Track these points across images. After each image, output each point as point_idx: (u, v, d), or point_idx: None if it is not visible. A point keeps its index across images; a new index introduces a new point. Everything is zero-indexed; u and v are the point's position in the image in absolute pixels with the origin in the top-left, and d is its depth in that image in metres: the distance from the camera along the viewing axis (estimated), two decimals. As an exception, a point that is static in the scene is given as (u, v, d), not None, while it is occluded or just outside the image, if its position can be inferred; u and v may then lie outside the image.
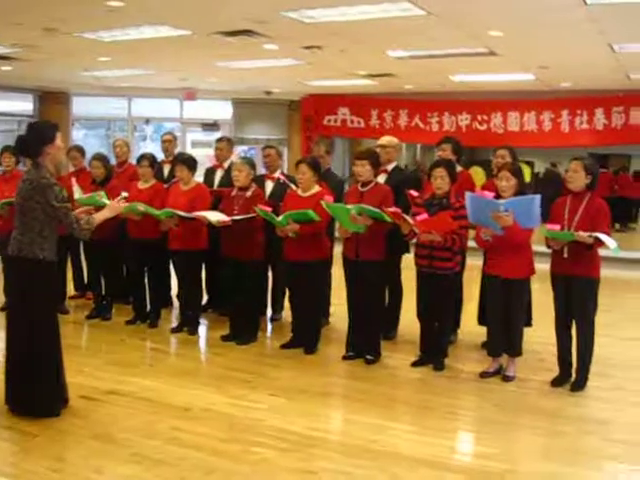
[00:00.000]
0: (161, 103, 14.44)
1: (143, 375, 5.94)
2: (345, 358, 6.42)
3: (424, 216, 5.84)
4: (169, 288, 8.09)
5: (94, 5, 6.56)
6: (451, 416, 5.16)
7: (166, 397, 5.42)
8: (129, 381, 5.77)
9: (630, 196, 16.55)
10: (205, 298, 8.06)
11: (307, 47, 8.62)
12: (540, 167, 13.10)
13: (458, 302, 6.86)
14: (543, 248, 5.84)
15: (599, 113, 11.86)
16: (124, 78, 11.83)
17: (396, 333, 7.15)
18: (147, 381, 5.79)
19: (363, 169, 6.20)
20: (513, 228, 5.52)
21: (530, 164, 12.36)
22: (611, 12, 6.48)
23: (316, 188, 6.48)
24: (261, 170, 7.67)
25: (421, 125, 13.08)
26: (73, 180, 7.40)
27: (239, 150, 14.31)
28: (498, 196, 5.76)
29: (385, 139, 7.10)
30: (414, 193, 6.25)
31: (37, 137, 4.92)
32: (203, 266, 7.58)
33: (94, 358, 6.39)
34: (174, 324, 7.45)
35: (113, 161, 8.34)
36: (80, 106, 14.01)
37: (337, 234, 6.79)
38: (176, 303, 7.88)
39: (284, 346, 6.73)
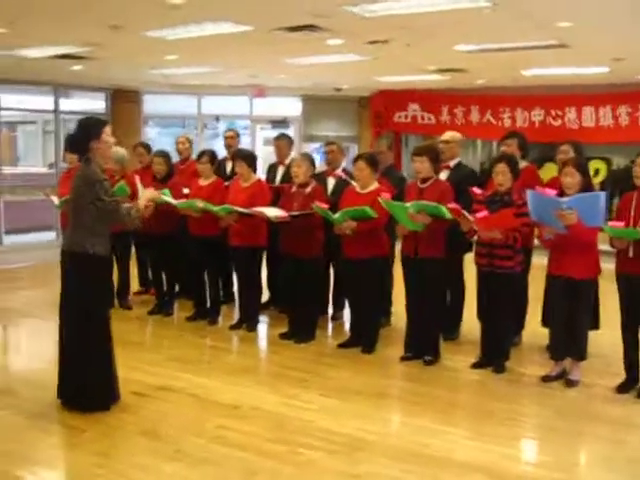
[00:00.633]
0: (231, 100, 14.47)
1: (197, 372, 5.92)
2: (403, 359, 6.27)
3: (484, 213, 5.64)
4: (231, 285, 8.09)
5: (156, 2, 6.58)
6: (509, 422, 4.95)
7: (217, 394, 5.39)
8: (182, 377, 5.76)
9: None
10: (267, 295, 8.03)
11: (372, 42, 8.45)
12: (620, 164, 12.61)
13: (523, 303, 6.63)
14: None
15: (680, 107, 11.37)
16: (193, 76, 11.89)
17: (458, 334, 6.95)
18: (200, 378, 5.77)
19: (422, 165, 6.03)
20: (577, 227, 5.26)
21: (606, 160, 11.87)
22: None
23: (375, 185, 6.36)
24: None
25: (493, 121, 12.73)
26: (137, 178, 7.44)
27: (311, 147, 14.26)
28: (562, 193, 5.52)
29: (448, 134, 6.92)
30: (477, 190, 6.04)
31: (84, 133, 4.96)
32: (264, 263, 7.56)
33: (151, 354, 6.43)
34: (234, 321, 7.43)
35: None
36: (151, 104, 14.18)
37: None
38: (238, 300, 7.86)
39: (342, 345, 6.63)
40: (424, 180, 6.06)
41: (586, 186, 5.49)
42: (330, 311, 7.72)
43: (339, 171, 7.27)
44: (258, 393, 5.44)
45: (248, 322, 7.14)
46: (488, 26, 7.51)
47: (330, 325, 7.53)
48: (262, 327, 7.31)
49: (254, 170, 7.10)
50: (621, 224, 5.30)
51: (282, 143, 7.71)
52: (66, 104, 13.09)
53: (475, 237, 5.86)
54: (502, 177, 5.78)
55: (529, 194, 5.43)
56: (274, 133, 14.54)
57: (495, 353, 6.03)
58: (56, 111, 12.69)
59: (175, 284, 7.90)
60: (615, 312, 5.65)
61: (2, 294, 8.84)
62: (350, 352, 6.48)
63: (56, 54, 9.64)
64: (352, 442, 4.55)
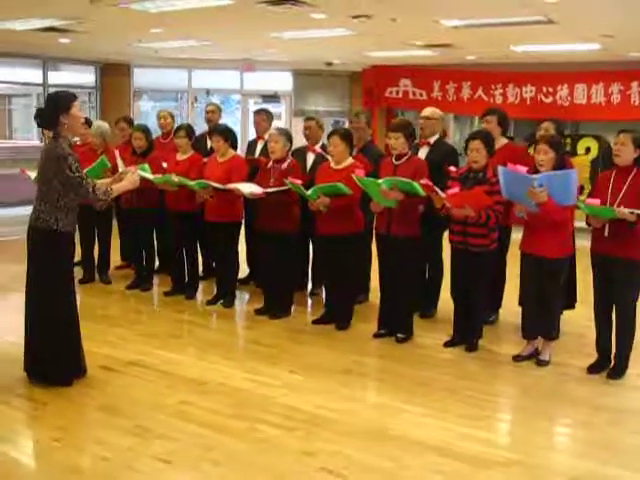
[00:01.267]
0: (221, 75, 14.41)
1: (169, 347, 5.91)
2: (376, 336, 6.25)
3: (455, 190, 5.58)
4: (210, 260, 8.06)
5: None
6: (473, 401, 4.92)
7: (184, 370, 5.38)
8: (153, 353, 5.75)
9: None
10: (247, 271, 8.01)
11: (356, 16, 8.38)
12: (612, 142, 12.55)
13: (500, 281, 6.60)
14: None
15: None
16: (182, 50, 11.83)
17: (435, 311, 6.93)
18: (171, 354, 5.76)
19: (397, 142, 5.96)
20: (548, 205, 5.21)
21: (598, 138, 11.78)
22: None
23: (349, 161, 6.30)
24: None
25: (484, 97, 12.62)
26: (116, 153, 7.39)
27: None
28: (537, 170, 5.46)
29: (428, 110, 6.82)
30: (453, 169, 5.98)
31: (53, 108, 4.88)
32: (243, 239, 7.54)
33: (124, 329, 6.41)
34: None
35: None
36: (142, 78, 14.11)
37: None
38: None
39: (316, 322, 6.61)
40: (399, 157, 6.00)
41: (559, 163, 5.42)
42: (309, 287, 7.70)
43: (318, 147, 7.21)
44: (226, 369, 5.43)
45: (225, 298, 7.12)
46: (472, 1, 7.44)
47: (310, 301, 7.51)
48: (240, 303, 7.29)
49: (232, 146, 7.04)
50: (597, 201, 5.25)
51: (261, 118, 7.63)
52: (55, 77, 13.03)
53: (447, 214, 5.79)
54: (476, 154, 5.71)
55: (500, 171, 5.37)
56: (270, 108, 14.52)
57: (468, 331, 6.00)
58: (45, 84, 12.62)
59: (154, 259, 7.88)
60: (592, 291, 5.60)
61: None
62: (324, 328, 6.47)
63: (41, 27, 9.59)
64: (312, 419, 4.54)
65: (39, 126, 5.19)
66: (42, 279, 4.86)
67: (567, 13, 7.79)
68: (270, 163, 6.66)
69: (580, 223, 5.74)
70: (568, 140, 12.09)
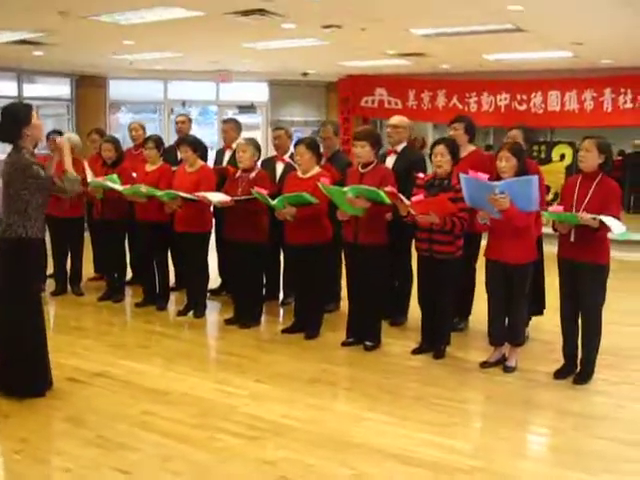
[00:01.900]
0: (197, 86, 14.40)
1: (136, 358, 5.90)
2: (344, 344, 6.25)
3: (419, 197, 5.61)
4: (182, 271, 8.04)
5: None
6: (437, 408, 4.93)
7: (150, 380, 5.37)
8: (120, 364, 5.73)
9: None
10: (219, 281, 8.00)
11: (326, 26, 8.41)
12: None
13: (469, 288, 6.62)
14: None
15: (644, 91, 11.34)
16: (157, 61, 11.81)
17: (406, 319, 6.94)
18: (138, 364, 5.75)
19: (362, 150, 5.98)
20: (511, 211, 5.24)
21: (572, 145, 11.84)
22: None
23: (316, 170, 6.31)
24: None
25: (459, 106, 12.67)
26: (85, 164, 7.38)
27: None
28: (499, 177, 5.49)
29: (396, 119, 6.86)
30: (421, 175, 6.02)
31: (14, 121, 4.87)
32: (215, 249, 7.54)
33: (93, 340, 6.39)
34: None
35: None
36: (117, 90, 14.08)
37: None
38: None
39: (285, 331, 6.61)
40: (365, 165, 6.02)
41: (521, 171, 5.44)
42: (280, 296, 7.70)
43: (287, 156, 7.23)
44: (192, 379, 5.42)
45: (196, 308, 7.11)
46: (439, 10, 7.48)
47: (281, 311, 7.51)
48: (211, 313, 7.26)
49: (201, 156, 7.07)
50: (560, 209, 5.28)
51: (229, 127, 7.63)
52: (30, 90, 12.99)
53: (412, 221, 5.80)
54: (440, 158, 5.74)
55: (462, 178, 5.39)
56: (242, 118, 14.52)
57: (435, 338, 6.02)
58: (20, 97, 12.58)
59: (126, 270, 7.86)
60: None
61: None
62: (294, 337, 6.46)
63: (12, 40, 9.56)
64: (274, 428, 4.54)
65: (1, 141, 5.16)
66: (10, 290, 4.84)
67: (534, 21, 7.85)
68: (238, 172, 6.66)
69: (547, 229, 5.77)
70: (543, 147, 12.19)
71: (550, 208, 5.35)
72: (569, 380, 5.45)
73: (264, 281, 7.23)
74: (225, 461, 4.10)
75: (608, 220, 5.00)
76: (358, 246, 6.01)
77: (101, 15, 7.94)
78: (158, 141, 7.24)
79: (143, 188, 6.81)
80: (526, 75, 11.90)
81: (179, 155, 7.83)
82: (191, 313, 7.11)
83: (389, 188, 5.64)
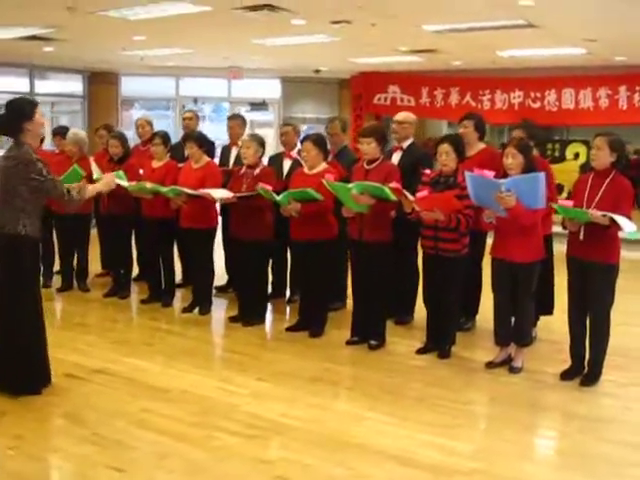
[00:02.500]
0: (209, 82, 14.38)
1: (138, 355, 5.85)
2: (349, 343, 6.18)
3: (424, 193, 5.53)
4: (188, 267, 8.00)
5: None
6: (439, 408, 4.84)
7: (151, 378, 5.32)
8: (122, 361, 5.69)
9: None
10: (226, 278, 7.95)
11: (335, 22, 8.35)
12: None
13: (476, 288, 6.53)
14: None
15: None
16: (168, 57, 11.81)
17: (412, 318, 6.85)
18: (140, 361, 5.70)
19: (368, 147, 5.91)
20: (517, 209, 5.14)
21: (586, 143, 11.69)
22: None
23: (322, 166, 6.25)
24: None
25: (472, 103, 12.56)
26: (92, 160, 7.36)
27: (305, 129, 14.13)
28: (506, 175, 5.39)
29: (401, 115, 6.78)
30: (427, 171, 5.93)
31: (15, 115, 4.84)
32: (222, 246, 7.50)
33: (96, 336, 6.35)
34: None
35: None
36: (129, 86, 14.08)
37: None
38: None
39: (290, 329, 6.54)
40: (370, 161, 5.95)
41: (528, 167, 5.34)
42: (287, 294, 7.64)
43: (294, 153, 7.17)
44: (193, 376, 5.36)
45: (201, 305, 7.06)
46: (449, 5, 7.41)
47: (287, 308, 7.44)
48: (216, 310, 7.21)
49: (207, 152, 7.03)
50: (570, 203, 5.18)
51: (235, 123, 7.58)
52: (42, 86, 13.01)
53: (417, 218, 5.72)
54: (445, 157, 5.66)
55: (467, 176, 5.30)
56: (254, 115, 14.49)
57: (441, 338, 5.94)
58: (32, 93, 12.60)
59: (132, 266, 7.83)
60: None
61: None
62: (298, 335, 6.39)
63: (23, 35, 9.58)
64: (273, 427, 4.47)
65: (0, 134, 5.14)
66: (9, 287, 4.80)
67: (545, 16, 7.76)
68: (243, 169, 6.61)
69: (557, 228, 5.67)
70: (557, 145, 12.06)
71: (559, 202, 5.25)
72: (576, 382, 5.35)
73: (270, 279, 7.18)
74: (222, 460, 4.04)
75: (619, 218, 4.90)
76: (363, 243, 5.94)
77: (109, 10, 7.94)
78: (165, 137, 7.20)
79: (148, 184, 6.77)
80: (540, 72, 11.79)
81: (186, 152, 7.82)
82: (196, 310, 7.06)
83: (394, 184, 5.57)
